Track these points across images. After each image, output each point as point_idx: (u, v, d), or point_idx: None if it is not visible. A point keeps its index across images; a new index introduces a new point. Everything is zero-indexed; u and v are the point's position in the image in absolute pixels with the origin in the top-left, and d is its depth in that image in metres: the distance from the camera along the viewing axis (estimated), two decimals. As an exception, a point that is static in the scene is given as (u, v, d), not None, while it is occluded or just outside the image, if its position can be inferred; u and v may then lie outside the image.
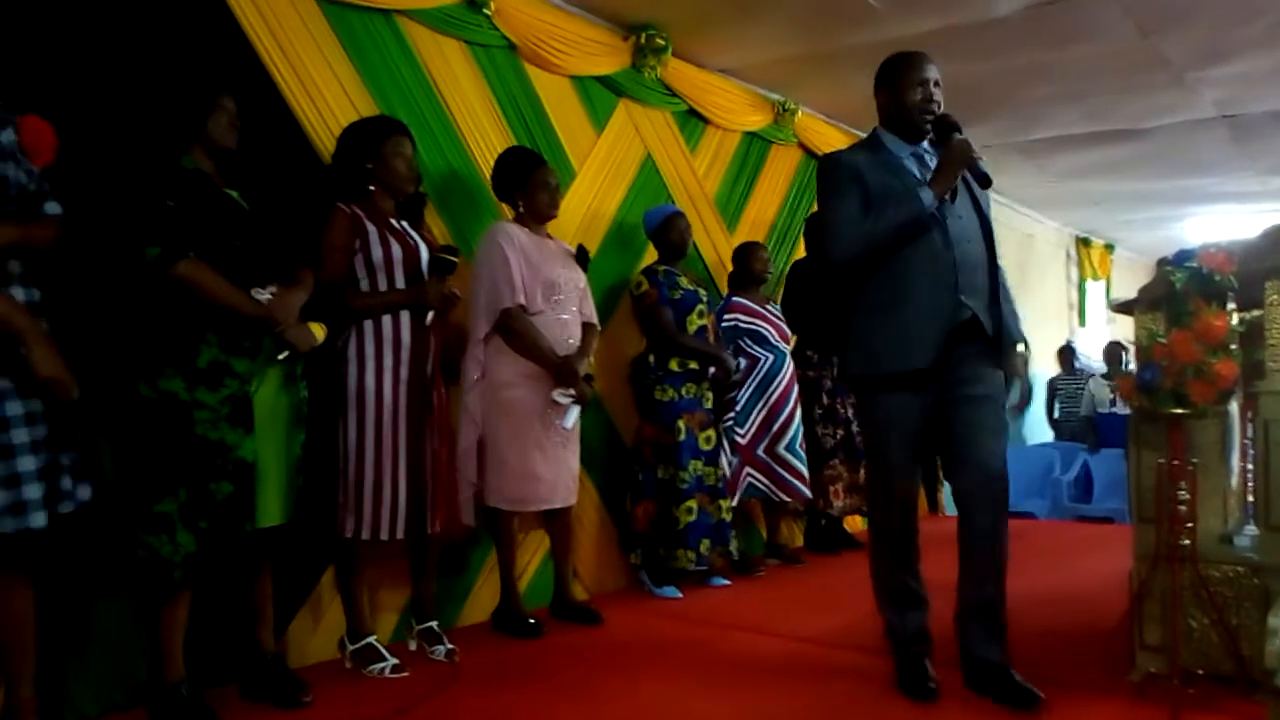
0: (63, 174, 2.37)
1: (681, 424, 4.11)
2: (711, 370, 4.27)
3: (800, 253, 5.42)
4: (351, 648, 3.04)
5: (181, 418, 2.48)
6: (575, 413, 3.52)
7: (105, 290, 2.62)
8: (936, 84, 2.77)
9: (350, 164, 3.07)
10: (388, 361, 3.01)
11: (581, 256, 3.76)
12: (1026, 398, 2.88)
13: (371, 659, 3.00)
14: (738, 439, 4.60)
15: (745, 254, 4.80)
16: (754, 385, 4.64)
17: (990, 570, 2.71)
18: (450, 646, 3.16)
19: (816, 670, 3.06)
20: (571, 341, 3.59)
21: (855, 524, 5.70)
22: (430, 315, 3.09)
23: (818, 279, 5.05)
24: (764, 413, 4.65)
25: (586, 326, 3.72)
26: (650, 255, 4.46)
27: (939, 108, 2.76)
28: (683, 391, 4.16)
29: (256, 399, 2.60)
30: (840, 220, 2.73)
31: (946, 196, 2.67)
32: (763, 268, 4.79)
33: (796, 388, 4.77)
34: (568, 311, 3.61)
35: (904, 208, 2.63)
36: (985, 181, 2.71)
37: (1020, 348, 2.81)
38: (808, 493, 4.70)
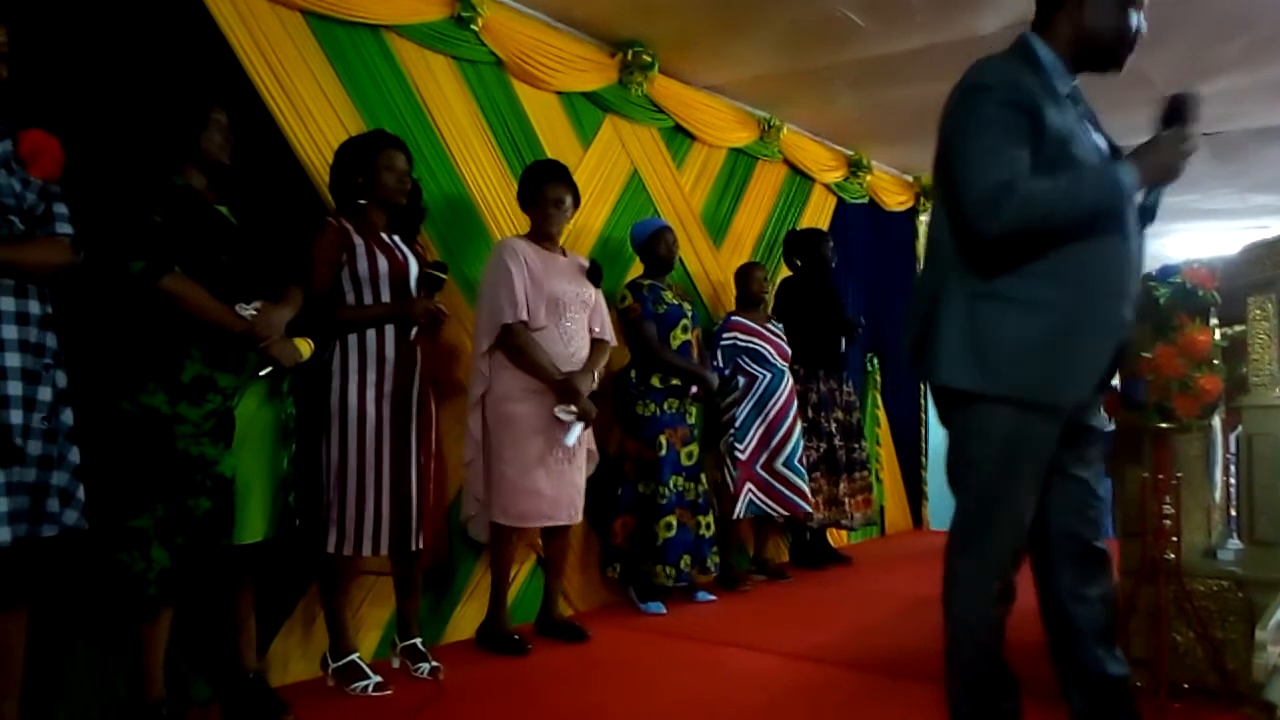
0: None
1: (663, 439, 4.09)
2: (693, 389, 4.26)
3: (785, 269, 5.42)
4: (334, 665, 3.01)
5: (162, 432, 2.45)
6: (578, 430, 3.47)
7: (91, 304, 2.59)
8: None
9: (343, 178, 3.08)
10: (371, 376, 3.00)
11: (594, 271, 3.72)
12: None
13: (354, 677, 2.97)
14: (738, 455, 4.61)
15: (743, 275, 4.90)
16: (752, 402, 4.66)
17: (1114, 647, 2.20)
18: (434, 664, 3.13)
19: (803, 686, 3.05)
20: (577, 357, 3.56)
21: (840, 539, 5.70)
22: (415, 330, 3.08)
23: (804, 294, 5.10)
24: (762, 429, 4.66)
25: (596, 343, 3.70)
26: (637, 270, 4.46)
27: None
28: (665, 407, 4.15)
29: (238, 414, 2.58)
30: (998, 171, 1.85)
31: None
32: (759, 288, 4.85)
33: (795, 405, 4.78)
34: (574, 327, 3.58)
35: (1105, 188, 1.88)
36: (1146, 215, 1.98)
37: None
38: (808, 508, 4.70)
